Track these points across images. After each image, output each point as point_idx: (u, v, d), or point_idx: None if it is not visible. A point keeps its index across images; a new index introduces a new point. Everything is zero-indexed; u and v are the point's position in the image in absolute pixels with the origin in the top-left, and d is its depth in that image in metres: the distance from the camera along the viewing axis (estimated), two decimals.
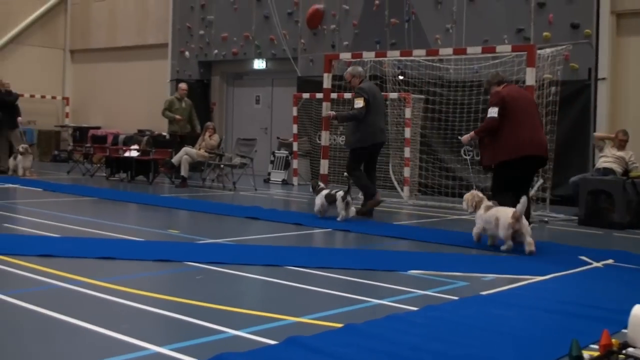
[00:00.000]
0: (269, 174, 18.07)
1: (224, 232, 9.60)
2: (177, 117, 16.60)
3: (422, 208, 13.36)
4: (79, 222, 9.80)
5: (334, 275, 6.70)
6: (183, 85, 17.33)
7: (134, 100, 22.91)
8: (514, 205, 8.13)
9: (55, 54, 25.57)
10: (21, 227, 9.27)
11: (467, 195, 8.86)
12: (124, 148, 17.65)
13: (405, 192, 14.65)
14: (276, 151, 18.19)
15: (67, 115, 25.55)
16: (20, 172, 16.91)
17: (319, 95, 15.29)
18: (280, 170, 17.79)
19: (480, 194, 8.80)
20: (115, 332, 4.56)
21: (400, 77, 15.47)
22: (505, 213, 8.21)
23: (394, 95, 15.17)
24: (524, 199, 8.05)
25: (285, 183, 17.41)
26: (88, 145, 19.88)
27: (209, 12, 20.67)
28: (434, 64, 14.91)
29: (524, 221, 8.20)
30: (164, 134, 20.87)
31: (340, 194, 10.71)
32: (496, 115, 8.92)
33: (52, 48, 25.43)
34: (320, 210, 10.94)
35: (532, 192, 9.40)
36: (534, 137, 9.00)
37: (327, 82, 13.53)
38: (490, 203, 8.63)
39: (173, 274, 6.64)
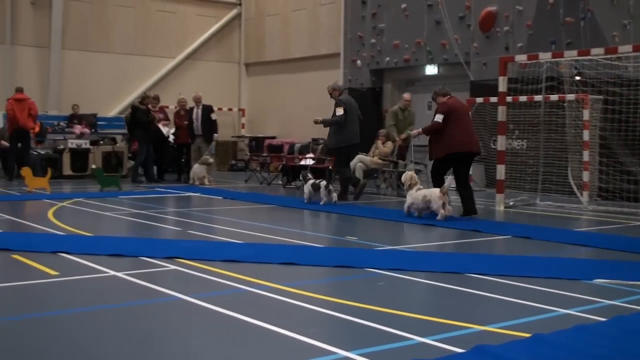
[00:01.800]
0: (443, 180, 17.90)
1: (401, 238, 9.63)
2: (399, 139, 16.48)
3: (603, 214, 12.85)
4: (258, 229, 10.10)
5: (516, 283, 6.56)
6: (407, 96, 17.21)
7: (308, 109, 23.32)
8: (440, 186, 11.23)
9: (231, 67, 26.48)
10: (204, 234, 9.65)
11: (406, 175, 11.70)
12: (300, 156, 18.03)
13: (584, 197, 14.11)
14: None
15: (243, 126, 26.39)
16: (197, 181, 17.59)
17: (493, 100, 15.05)
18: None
19: (416, 177, 11.63)
20: (303, 335, 4.68)
21: (577, 78, 14.99)
22: (434, 191, 11.19)
23: (571, 96, 14.71)
24: (448, 181, 11.27)
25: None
26: (264, 154, 20.45)
27: (380, 21, 20.79)
28: (612, 63, 14.32)
29: (447, 198, 11.19)
30: None
31: (323, 183, 13.35)
32: (441, 120, 11.58)
33: (227, 62, 26.36)
34: (308, 197, 13.40)
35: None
36: (471, 138, 11.82)
37: (502, 86, 13.28)
38: (420, 185, 11.61)
39: (354, 280, 6.71)
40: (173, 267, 7.09)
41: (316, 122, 14.79)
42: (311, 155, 18.07)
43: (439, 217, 10.99)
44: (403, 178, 11.89)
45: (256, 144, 24.22)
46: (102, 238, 9.21)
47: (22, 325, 5.11)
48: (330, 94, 14.84)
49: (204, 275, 6.68)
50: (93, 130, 21.83)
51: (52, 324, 5.14)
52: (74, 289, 6.32)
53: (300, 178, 14.68)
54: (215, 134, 18.67)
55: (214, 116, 18.65)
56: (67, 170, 19.80)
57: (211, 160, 17.96)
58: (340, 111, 14.13)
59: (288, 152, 21.57)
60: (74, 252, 7.83)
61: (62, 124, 21.59)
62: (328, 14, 23.02)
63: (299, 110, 23.78)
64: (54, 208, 12.35)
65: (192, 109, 18.74)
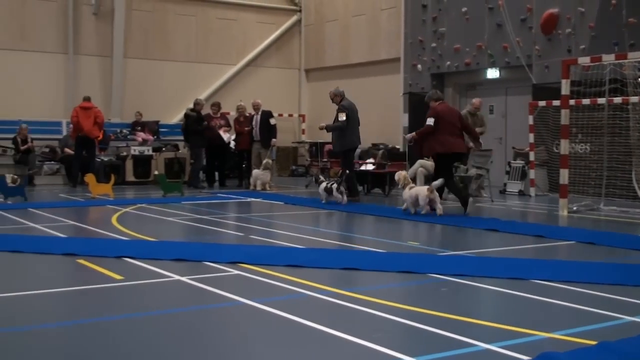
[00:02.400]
0: (505, 184, 17.74)
1: (463, 244, 9.55)
2: (470, 145, 16.31)
3: None
4: (319, 234, 10.13)
5: (581, 289, 6.45)
6: (476, 101, 16.99)
7: (368, 114, 23.20)
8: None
9: (291, 74, 26.60)
10: (266, 239, 9.69)
11: (399, 175, 12.92)
12: (360, 162, 18.00)
13: None
14: (512, 161, 17.84)
15: (303, 131, 26.49)
16: (259, 186, 17.69)
17: (556, 103, 14.84)
18: (517, 180, 17.41)
19: (409, 177, 13.03)
20: (367, 341, 4.67)
21: None
22: (422, 189, 12.41)
23: (634, 99, 14.42)
24: (440, 180, 12.44)
25: (522, 194, 17.02)
26: (324, 159, 20.46)
27: (440, 24, 20.68)
28: None
29: (436, 194, 12.23)
30: (398, 146, 21.16)
31: (334, 185, 14.22)
32: (432, 124, 12.86)
33: (287, 68, 26.48)
34: (325, 199, 14.35)
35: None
36: (455, 140, 13.02)
37: (565, 89, 13.10)
38: (413, 184, 12.87)
39: (417, 286, 6.68)
40: (236, 272, 7.14)
41: (321, 128, 15.55)
42: (371, 160, 18.03)
43: (423, 212, 12.34)
44: (396, 177, 13.06)
45: (316, 149, 24.21)
46: (166, 243, 9.33)
47: (88, 328, 5.20)
48: (332, 100, 15.57)
49: (267, 280, 6.71)
50: (155, 137, 22.14)
51: (117, 328, 5.21)
52: (138, 293, 6.41)
53: (313, 180, 15.55)
54: (274, 139, 18.76)
55: (272, 121, 18.75)
56: (130, 177, 20.12)
57: (269, 162, 18.04)
58: (343, 117, 14.94)
59: None
60: (138, 256, 7.94)
61: (125, 131, 21.94)
62: (388, 19, 22.98)
63: (359, 115, 23.69)
64: (118, 214, 12.55)
65: (253, 115, 18.91)
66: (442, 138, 12.86)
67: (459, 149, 13.26)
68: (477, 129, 15.34)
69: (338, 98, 15.46)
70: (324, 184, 14.41)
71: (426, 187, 12.43)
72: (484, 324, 5.23)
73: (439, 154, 12.95)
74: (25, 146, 19.49)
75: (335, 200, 14.21)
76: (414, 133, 13.51)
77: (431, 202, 12.23)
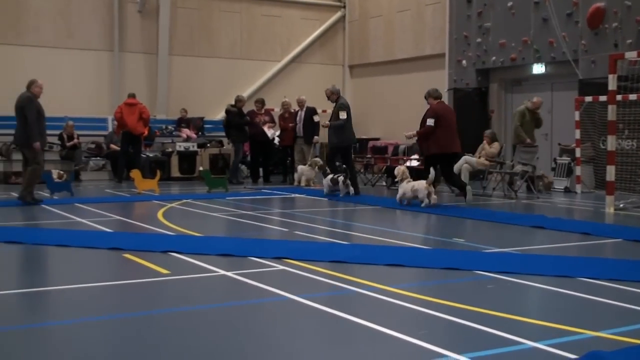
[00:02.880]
0: (551, 181, 17.55)
1: (509, 241, 9.47)
2: (528, 140, 16.25)
3: None
4: (363, 230, 10.12)
5: (628, 288, 6.35)
6: (538, 99, 16.81)
7: (412, 111, 23.10)
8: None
9: (335, 70, 26.58)
10: (310, 235, 9.71)
11: (398, 169, 13.58)
12: (404, 158, 17.96)
13: None
14: (557, 158, 17.65)
15: None
16: (303, 182, 17.73)
17: (602, 98, 14.67)
18: (563, 177, 17.22)
19: (407, 171, 13.53)
20: (413, 337, 4.66)
21: None
22: (421, 182, 13.06)
23: None
24: (432, 173, 12.92)
25: (567, 191, 16.82)
26: (368, 156, 20.45)
27: (485, 20, 20.52)
28: None
29: (432, 188, 13.02)
30: None
31: (341, 178, 14.90)
32: (433, 124, 13.51)
33: (331, 65, 26.46)
34: (328, 191, 15.08)
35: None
36: (453, 140, 13.72)
37: (612, 84, 12.91)
38: (410, 178, 13.44)
39: (463, 283, 6.64)
40: (281, 267, 7.17)
41: (325, 126, 16.01)
42: (416, 156, 17.97)
43: (422, 205, 12.88)
44: (396, 172, 13.72)
45: (360, 145, 24.23)
46: (211, 238, 9.40)
47: (134, 322, 5.26)
48: (329, 97, 16.02)
49: (311, 276, 6.73)
50: (200, 133, 22.30)
51: (162, 322, 5.27)
52: (185, 288, 6.47)
53: (322, 173, 15.90)
54: (316, 137, 18.80)
55: (316, 118, 18.80)
56: (175, 173, 20.30)
57: (319, 161, 18.11)
58: (344, 115, 15.49)
59: (392, 153, 21.53)
60: (184, 251, 8.01)
61: (170, 127, 22.13)
62: (433, 14, 22.86)
63: (403, 111, 23.69)
64: (163, 209, 12.66)
65: (297, 111, 18.98)
66: (441, 138, 13.56)
67: (456, 149, 13.97)
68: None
69: (334, 96, 15.90)
70: (329, 176, 15.13)
71: (423, 181, 13.09)
72: (530, 321, 5.19)
73: (437, 154, 13.59)
74: (71, 142, 19.75)
75: (339, 192, 14.93)
76: (414, 131, 14.11)
77: (427, 195, 12.98)
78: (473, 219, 11.73)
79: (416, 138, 14.43)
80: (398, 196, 13.45)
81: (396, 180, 13.97)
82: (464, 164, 15.76)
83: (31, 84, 13.44)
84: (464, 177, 15.60)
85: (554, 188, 17.03)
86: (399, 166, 13.99)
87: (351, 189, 15.09)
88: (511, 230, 10.54)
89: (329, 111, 25.35)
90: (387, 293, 6.00)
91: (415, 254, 8.02)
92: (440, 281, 6.75)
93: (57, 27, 21.82)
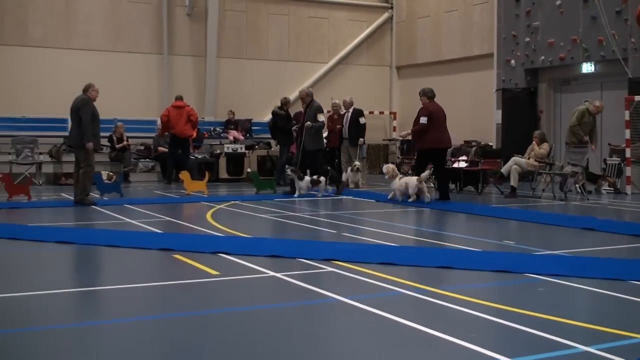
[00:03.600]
0: (614, 180, 17.27)
1: (558, 243, 9.36)
2: (586, 138, 16.07)
3: None
4: (412, 232, 10.10)
5: None
6: (600, 103, 16.57)
7: (460, 111, 23.08)
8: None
9: (382, 71, 26.52)
10: (359, 236, 9.72)
11: (388, 167, 14.65)
12: (452, 159, 17.84)
13: None
14: (607, 158, 17.41)
15: (394, 129, 26.37)
16: (350, 184, 17.73)
17: None
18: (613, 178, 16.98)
19: (396, 169, 14.73)
20: (464, 340, 4.63)
21: None
22: (412, 179, 14.02)
23: None
24: (428, 171, 14.29)
25: (617, 192, 16.59)
26: (415, 157, 20.33)
27: (534, 19, 20.32)
28: None
29: (424, 184, 13.96)
30: (491, 143, 20.89)
31: (322, 179, 15.17)
32: (426, 122, 14.41)
33: (379, 66, 26.41)
34: (305, 191, 15.20)
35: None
36: (444, 136, 14.70)
37: None
38: (401, 174, 14.64)
39: (514, 285, 6.59)
40: (330, 269, 7.18)
41: (308, 128, 15.59)
42: (464, 157, 17.85)
43: (410, 200, 13.85)
44: (385, 169, 14.64)
45: (407, 147, 24.12)
46: (260, 239, 9.45)
47: (184, 322, 5.31)
48: (302, 99, 16.04)
49: (361, 278, 6.73)
50: (248, 135, 22.43)
51: (212, 322, 5.31)
52: (234, 289, 6.52)
53: (288, 173, 15.89)
54: (361, 139, 18.80)
55: (362, 120, 18.79)
56: (223, 174, 20.44)
57: (357, 164, 18.11)
58: (322, 117, 15.77)
59: None
60: (233, 252, 8.06)
61: (218, 129, 22.28)
62: (481, 14, 22.70)
63: (451, 112, 23.31)
64: (212, 210, 12.75)
65: (344, 113, 19.00)
66: (434, 135, 14.48)
67: (448, 144, 15.16)
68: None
69: (308, 98, 15.93)
70: (307, 178, 15.25)
71: (415, 177, 14.07)
72: (582, 325, 5.13)
73: (431, 149, 14.57)
74: (121, 144, 19.99)
75: (319, 189, 15.31)
76: (409, 130, 15.09)
77: (419, 192, 13.84)
78: (522, 220, 11.63)
79: (410, 136, 15.31)
80: (391, 193, 14.37)
81: (386, 177, 14.80)
82: (513, 165, 15.62)
83: (88, 88, 13.71)
84: (513, 179, 15.47)
85: (605, 189, 16.80)
86: (388, 164, 14.89)
87: (328, 188, 15.62)
88: (561, 232, 10.43)
89: (376, 113, 25.57)
90: (437, 295, 5.98)
91: (465, 256, 7.97)
92: (491, 284, 6.70)
93: (106, 31, 22.10)
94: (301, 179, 15.24)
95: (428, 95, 14.99)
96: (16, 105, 20.60)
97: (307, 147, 15.74)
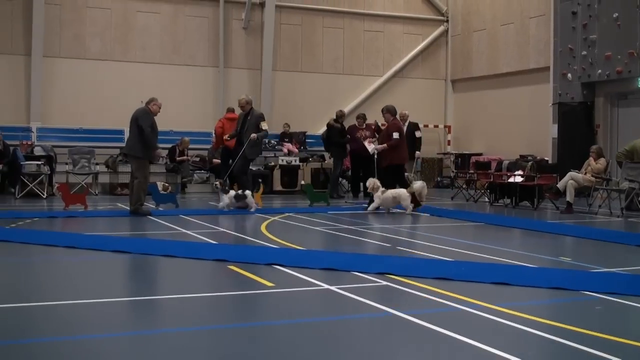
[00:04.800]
0: None
1: (615, 260, 9.22)
2: None
3: None
4: (466, 247, 10.01)
5: None
6: None
7: (516, 125, 22.95)
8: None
9: (437, 84, 26.43)
10: (413, 250, 9.69)
11: (370, 181, 14.70)
12: (508, 174, 17.70)
13: None
14: None
15: (449, 142, 26.27)
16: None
17: None
18: None
19: (378, 182, 14.56)
20: (519, 358, 4.59)
21: None
22: (402, 191, 14.54)
23: None
24: (419, 183, 15.19)
25: None
26: (471, 171, 20.25)
27: (591, 32, 20.07)
28: None
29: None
30: (547, 158, 20.67)
31: (248, 193, 14.79)
32: (399, 137, 15.03)
33: (434, 79, 26.33)
34: (228, 205, 14.67)
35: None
36: (407, 153, 15.81)
37: None
38: (383, 188, 14.53)
39: (570, 303, 6.51)
40: (385, 282, 7.17)
41: (254, 139, 15.45)
42: (520, 172, 17.68)
43: (407, 212, 14.39)
44: (368, 183, 14.80)
45: (462, 160, 24.03)
46: (314, 252, 9.47)
47: (239, 333, 5.35)
48: (243, 107, 15.82)
49: (416, 292, 6.71)
50: (302, 147, 22.52)
51: (267, 334, 5.34)
52: (289, 301, 6.54)
53: (217, 186, 15.35)
54: (417, 152, 18.76)
55: (418, 134, 18.78)
56: (277, 186, 20.55)
57: (411, 178, 18.07)
58: (265, 125, 15.74)
59: (495, 169, 21.23)
60: (288, 264, 8.10)
61: (272, 142, 22.41)
62: (537, 27, 22.51)
63: (507, 126, 23.40)
64: (266, 222, 12.82)
65: None
66: (402, 151, 15.29)
67: (407, 160, 16.41)
68: None
69: (248, 106, 15.82)
70: (232, 192, 14.80)
71: (403, 189, 14.64)
72: (638, 345, 5.04)
73: (396, 165, 15.13)
74: (182, 157, 20.26)
75: (244, 206, 14.79)
76: (384, 145, 15.16)
77: (414, 200, 14.56)
78: (579, 237, 11.47)
79: (376, 152, 15.42)
80: (373, 206, 14.72)
81: (368, 192, 15.09)
82: (569, 180, 15.42)
83: (150, 101, 13.99)
84: (569, 194, 15.27)
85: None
86: (370, 178, 14.87)
87: (260, 204, 15.30)
88: (618, 249, 10.27)
89: (431, 126, 25.48)
90: (493, 311, 5.93)
91: (522, 272, 7.87)
92: (547, 301, 6.63)
93: (163, 44, 22.45)
94: (226, 192, 14.86)
95: (392, 112, 15.51)
96: (74, 116, 21.07)
97: (249, 156, 15.73)
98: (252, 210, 14.67)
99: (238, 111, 18.16)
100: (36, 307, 6.17)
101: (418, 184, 14.88)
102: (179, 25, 22.62)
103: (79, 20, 21.53)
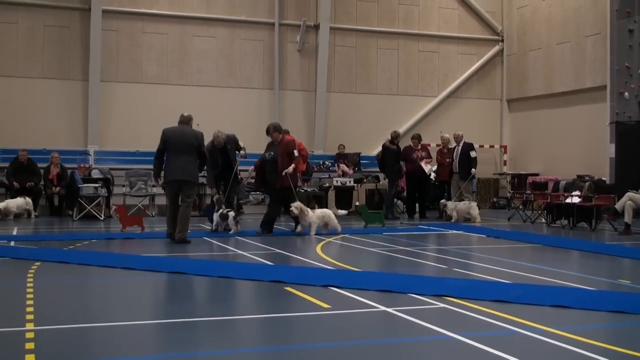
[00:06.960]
0: None
1: None
2: None
3: None
4: (524, 269, 9.91)
5: None
6: None
7: (573, 145, 22.68)
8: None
9: (493, 104, 26.26)
10: (470, 272, 9.62)
11: (295, 207, 14.09)
12: (565, 194, 17.49)
13: None
14: None
15: (504, 162, 26.05)
16: (460, 219, 17.64)
17: None
18: None
19: (303, 205, 14.31)
20: None
21: None
22: (327, 211, 14.94)
23: None
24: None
25: None
26: (528, 191, 20.06)
27: None
28: None
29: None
30: (604, 178, 20.36)
31: (231, 213, 14.50)
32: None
33: (489, 99, 26.17)
34: (216, 226, 14.66)
35: None
36: None
37: None
38: (307, 207, 14.42)
39: (631, 327, 6.40)
40: (442, 304, 7.14)
41: (243, 157, 15.68)
42: (577, 193, 17.46)
43: (339, 230, 14.58)
44: (293, 208, 14.13)
45: (518, 181, 23.80)
46: (370, 273, 9.47)
47: (295, 354, 5.37)
48: (219, 143, 15.39)
49: (473, 315, 6.66)
50: (356, 168, 22.55)
51: (323, 356, 5.35)
52: (345, 323, 6.55)
53: (217, 206, 15.03)
54: (473, 170, 18.68)
55: (473, 154, 18.70)
56: (332, 207, 20.55)
57: (466, 197, 17.98)
58: (242, 143, 15.78)
59: (552, 189, 20.97)
60: (343, 286, 8.11)
61: (327, 162, 22.49)
62: (593, 46, 22.27)
63: (564, 146, 23.12)
64: (322, 243, 12.86)
65: (454, 146, 18.96)
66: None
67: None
68: None
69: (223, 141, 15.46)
70: (220, 211, 14.62)
71: (328, 210, 15.22)
72: None
73: (293, 186, 14.52)
74: (240, 177, 20.43)
75: (227, 229, 14.59)
76: (290, 169, 14.56)
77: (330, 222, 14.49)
78: (638, 259, 11.26)
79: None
80: (314, 228, 14.27)
81: (293, 216, 14.68)
82: (627, 200, 15.17)
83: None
84: (628, 215, 15.02)
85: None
86: (295, 203, 14.21)
87: (239, 227, 14.57)
88: None
89: (486, 146, 25.33)
90: (552, 335, 5.86)
91: (581, 296, 7.75)
92: (607, 325, 6.53)
93: (219, 68, 22.71)
94: (217, 211, 14.73)
95: (281, 130, 15.31)
96: (130, 139, 21.39)
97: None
98: (231, 232, 14.40)
99: (298, 132, 18.35)
100: (94, 328, 6.27)
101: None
102: (234, 48, 22.88)
103: (135, 45, 21.90)
